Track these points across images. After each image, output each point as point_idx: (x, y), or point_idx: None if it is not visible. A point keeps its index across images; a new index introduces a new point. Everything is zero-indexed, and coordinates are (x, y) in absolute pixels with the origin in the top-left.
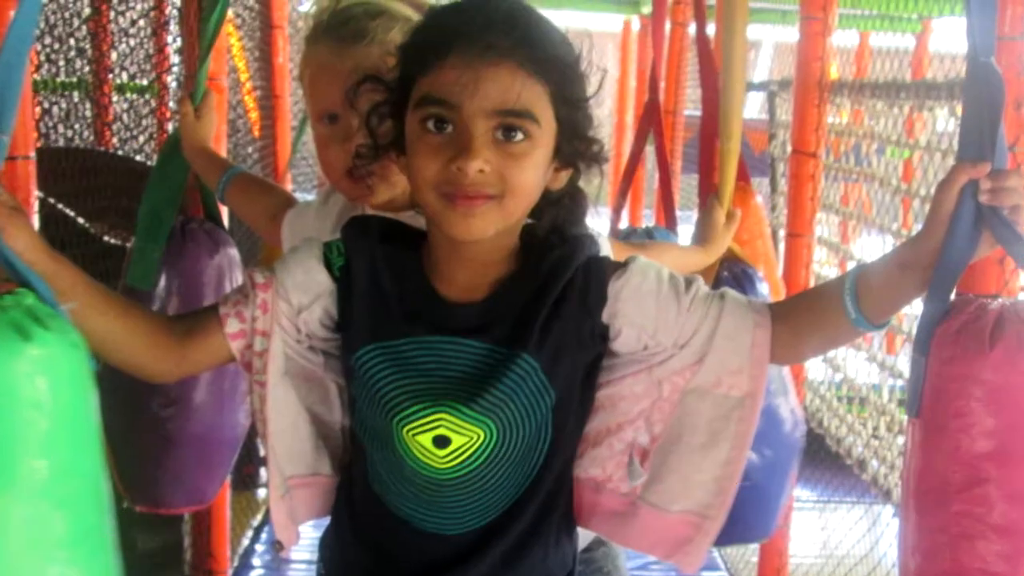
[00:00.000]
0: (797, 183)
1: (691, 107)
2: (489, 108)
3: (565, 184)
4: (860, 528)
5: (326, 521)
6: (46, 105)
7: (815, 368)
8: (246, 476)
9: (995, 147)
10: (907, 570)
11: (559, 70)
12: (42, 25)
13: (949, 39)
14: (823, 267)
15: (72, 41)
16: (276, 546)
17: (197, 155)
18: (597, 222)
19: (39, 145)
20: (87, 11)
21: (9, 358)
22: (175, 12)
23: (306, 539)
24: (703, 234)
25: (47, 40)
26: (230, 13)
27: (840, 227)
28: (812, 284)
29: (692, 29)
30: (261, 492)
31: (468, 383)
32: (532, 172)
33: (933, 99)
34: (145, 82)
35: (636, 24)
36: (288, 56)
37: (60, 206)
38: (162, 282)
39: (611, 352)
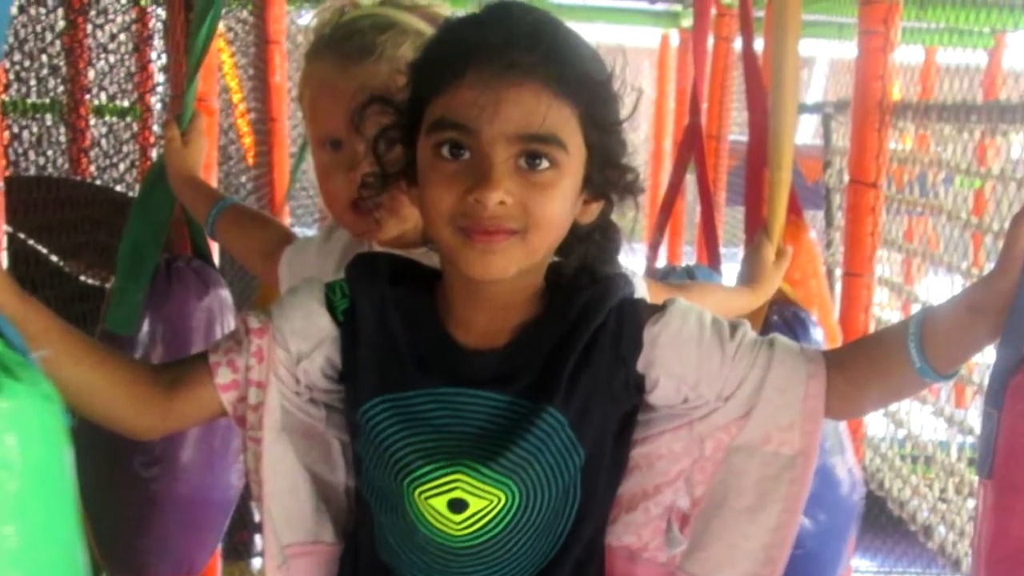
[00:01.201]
0: (855, 216)
1: (737, 131)
2: (511, 133)
3: (596, 217)
4: None
5: None
6: (16, 129)
7: (875, 423)
8: (239, 544)
9: None
10: None
11: (589, 90)
12: (11, 40)
13: None
14: (884, 310)
15: (45, 58)
16: None
17: (184, 185)
18: (631, 260)
19: (8, 174)
20: (61, 24)
21: None
22: (160, 26)
23: None
24: (750, 273)
25: (17, 57)
26: (221, 27)
27: (903, 266)
28: (872, 329)
29: (738, 44)
30: (256, 562)
31: (487, 440)
32: (559, 204)
33: (1007, 122)
34: (126, 103)
35: (675, 39)
36: (286, 74)
37: (31, 242)
38: (145, 327)
39: (647, 405)
